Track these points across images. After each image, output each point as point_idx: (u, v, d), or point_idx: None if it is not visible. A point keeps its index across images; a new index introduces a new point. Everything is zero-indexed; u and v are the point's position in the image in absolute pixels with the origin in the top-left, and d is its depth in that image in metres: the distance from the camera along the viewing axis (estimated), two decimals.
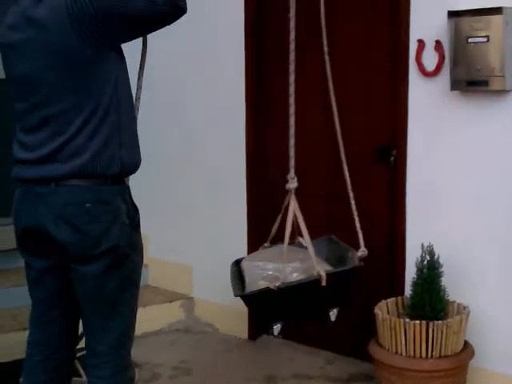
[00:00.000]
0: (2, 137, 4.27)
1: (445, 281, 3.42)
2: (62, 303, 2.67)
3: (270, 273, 3.12)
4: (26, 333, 2.76)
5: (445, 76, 3.47)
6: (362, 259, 3.14)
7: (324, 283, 2.95)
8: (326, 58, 3.33)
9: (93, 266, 2.52)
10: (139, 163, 2.68)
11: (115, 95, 2.52)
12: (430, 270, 3.41)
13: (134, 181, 2.71)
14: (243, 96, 4.33)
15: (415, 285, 3.44)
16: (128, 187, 2.68)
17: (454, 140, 3.52)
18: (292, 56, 3.05)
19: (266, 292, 2.98)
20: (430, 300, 3.37)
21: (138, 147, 2.68)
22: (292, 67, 3.05)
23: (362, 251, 3.17)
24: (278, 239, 3.23)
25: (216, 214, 4.53)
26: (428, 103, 3.58)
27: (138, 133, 2.68)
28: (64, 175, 2.48)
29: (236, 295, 3.12)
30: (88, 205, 2.48)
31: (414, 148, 3.65)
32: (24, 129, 2.57)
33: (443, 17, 3.40)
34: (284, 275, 3.05)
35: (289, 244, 3.15)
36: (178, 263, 4.76)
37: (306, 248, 3.13)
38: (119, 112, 2.53)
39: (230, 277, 3.29)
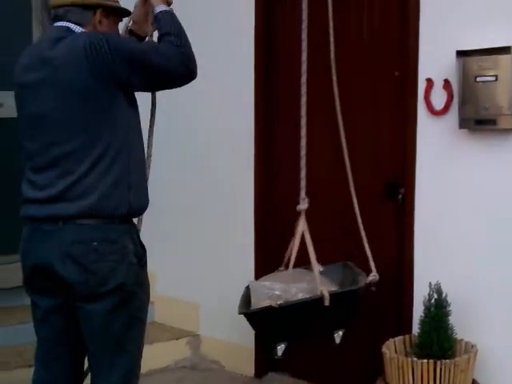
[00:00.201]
0: (10, 175, 4.32)
1: (453, 319, 3.39)
2: (68, 341, 2.66)
3: (276, 293, 3.14)
4: (32, 370, 2.74)
5: (453, 114, 3.47)
6: (373, 284, 3.18)
7: (327, 303, 2.94)
8: (336, 94, 3.38)
9: (100, 304, 2.52)
10: (147, 205, 2.71)
11: (126, 138, 2.56)
12: (438, 309, 3.38)
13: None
14: (252, 128, 4.35)
15: (423, 323, 3.41)
16: (135, 226, 2.69)
17: (462, 178, 3.52)
18: (303, 99, 3.14)
19: (267, 310, 2.99)
20: (438, 339, 3.34)
21: (147, 189, 2.71)
22: (303, 110, 3.13)
23: (373, 276, 3.21)
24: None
25: (222, 252, 4.52)
26: (436, 141, 3.58)
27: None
28: (72, 215, 2.49)
29: (240, 313, 3.12)
30: (95, 243, 2.49)
31: (422, 186, 3.65)
32: (34, 168, 2.59)
33: (451, 56, 3.41)
34: (289, 295, 3.05)
35: (304, 268, 3.21)
36: (184, 300, 4.74)
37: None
38: (129, 155, 2.56)
39: (240, 298, 3.29)
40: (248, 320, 3.12)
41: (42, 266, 2.53)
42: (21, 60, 2.63)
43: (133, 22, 2.89)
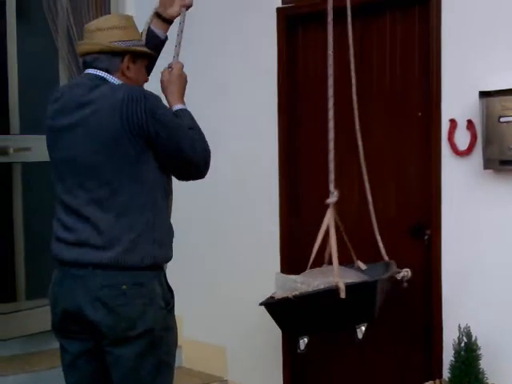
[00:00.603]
0: (39, 219, 4.37)
1: (483, 363, 3.33)
2: None
3: (299, 285, 3.17)
4: None
5: (477, 155, 3.45)
6: (405, 280, 3.28)
7: (343, 295, 2.93)
8: (359, 136, 3.41)
9: (128, 348, 2.53)
10: (171, 257, 2.73)
11: (151, 194, 2.58)
12: (468, 353, 3.33)
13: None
14: (277, 172, 4.34)
15: (453, 368, 3.36)
16: (163, 270, 2.71)
17: (488, 219, 3.48)
18: (331, 144, 3.21)
19: (285, 301, 3.02)
20: (469, 383, 3.28)
21: (171, 243, 2.73)
22: (331, 155, 3.19)
23: (406, 271, 3.26)
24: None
25: (248, 295, 4.48)
26: (461, 182, 3.56)
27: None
28: (98, 263, 2.51)
29: (260, 304, 3.17)
30: (124, 287, 2.51)
31: (448, 227, 3.61)
32: (63, 209, 2.62)
33: (474, 96, 3.41)
34: (310, 287, 3.09)
35: (345, 265, 3.33)
36: (211, 344, 4.70)
37: (358, 270, 3.30)
38: (154, 211, 2.59)
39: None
40: (268, 312, 3.14)
41: (72, 311, 2.56)
42: (52, 104, 2.67)
43: (159, 3, 2.93)
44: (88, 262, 2.52)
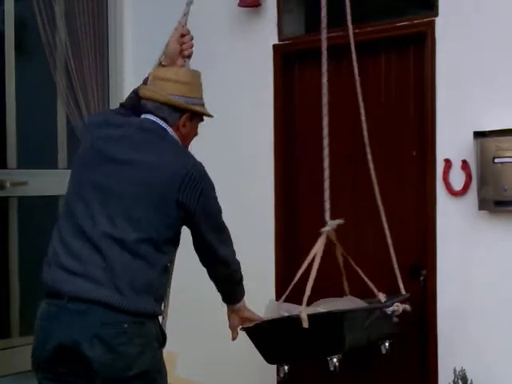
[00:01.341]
0: (34, 253, 4.35)
1: None
2: None
3: (281, 312, 3.22)
4: None
5: (472, 195, 3.44)
6: (395, 315, 3.23)
7: (305, 325, 2.93)
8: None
9: None
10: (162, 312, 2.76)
11: (168, 256, 2.64)
12: None
13: None
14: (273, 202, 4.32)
15: None
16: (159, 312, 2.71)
17: (483, 260, 3.45)
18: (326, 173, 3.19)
19: (259, 327, 3.05)
20: None
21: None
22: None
23: (397, 305, 3.23)
24: None
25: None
26: (457, 222, 3.54)
27: None
28: (100, 301, 2.44)
29: (240, 328, 3.15)
30: (126, 325, 2.46)
31: (443, 267, 3.58)
32: (74, 232, 2.54)
33: (469, 136, 3.40)
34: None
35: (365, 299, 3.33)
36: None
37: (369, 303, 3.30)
38: (164, 272, 2.62)
39: None
40: (249, 337, 3.16)
41: (67, 346, 2.45)
42: (106, 126, 2.69)
43: (165, 56, 2.92)
44: (89, 298, 2.44)
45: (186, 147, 2.80)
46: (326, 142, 3.28)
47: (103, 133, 2.67)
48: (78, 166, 2.69)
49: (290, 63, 4.22)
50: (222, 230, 2.75)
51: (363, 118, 3.47)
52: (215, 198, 2.70)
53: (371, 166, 3.46)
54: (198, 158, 2.65)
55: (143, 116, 2.71)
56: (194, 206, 2.56)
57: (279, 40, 4.22)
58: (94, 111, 4.65)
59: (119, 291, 2.46)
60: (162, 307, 2.74)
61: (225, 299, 3.01)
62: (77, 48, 4.67)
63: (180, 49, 2.91)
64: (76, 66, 4.65)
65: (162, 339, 2.64)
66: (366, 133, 3.48)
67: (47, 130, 4.77)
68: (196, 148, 2.82)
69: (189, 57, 2.94)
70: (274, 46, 4.22)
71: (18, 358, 4.36)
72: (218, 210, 2.72)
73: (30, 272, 4.45)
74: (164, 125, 2.67)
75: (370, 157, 3.46)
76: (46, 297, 2.55)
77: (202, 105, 2.79)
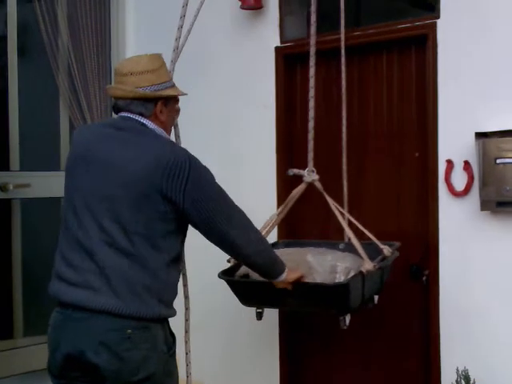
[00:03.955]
0: (38, 254, 4.37)
1: None
2: None
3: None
4: None
5: (474, 196, 3.45)
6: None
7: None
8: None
9: None
10: (175, 314, 2.69)
11: (167, 255, 2.57)
12: None
13: None
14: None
15: None
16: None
17: (485, 260, 3.47)
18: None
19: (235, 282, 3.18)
20: None
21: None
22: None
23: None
24: None
25: (249, 343, 4.45)
26: (458, 223, 3.55)
27: None
28: (102, 309, 2.47)
29: (218, 276, 3.22)
30: (129, 331, 2.47)
31: (446, 268, 3.60)
32: (69, 244, 2.57)
33: (471, 137, 3.41)
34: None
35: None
36: None
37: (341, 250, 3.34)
38: (167, 272, 2.58)
39: None
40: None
41: (75, 356, 2.49)
42: (84, 134, 2.71)
43: None
44: (90, 307, 2.47)
45: (170, 131, 2.80)
46: (310, 145, 3.40)
47: (83, 138, 2.68)
48: (65, 175, 2.71)
49: (292, 65, 4.23)
50: (229, 217, 2.60)
51: (344, 121, 3.54)
52: (210, 183, 2.60)
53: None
54: (199, 159, 2.61)
55: (119, 114, 2.70)
56: (181, 196, 2.49)
57: (281, 42, 4.23)
58: (96, 114, 4.67)
59: (118, 297, 2.47)
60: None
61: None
62: (79, 51, 4.68)
63: None
64: (78, 69, 4.66)
65: (172, 341, 2.65)
66: (344, 138, 3.56)
67: (50, 132, 4.78)
68: (196, 148, 2.81)
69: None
70: (276, 48, 4.23)
71: (22, 358, 4.38)
72: (216, 195, 2.60)
73: (33, 273, 4.48)
74: (142, 119, 2.64)
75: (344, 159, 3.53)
76: (57, 305, 2.60)
77: (173, 86, 2.76)
